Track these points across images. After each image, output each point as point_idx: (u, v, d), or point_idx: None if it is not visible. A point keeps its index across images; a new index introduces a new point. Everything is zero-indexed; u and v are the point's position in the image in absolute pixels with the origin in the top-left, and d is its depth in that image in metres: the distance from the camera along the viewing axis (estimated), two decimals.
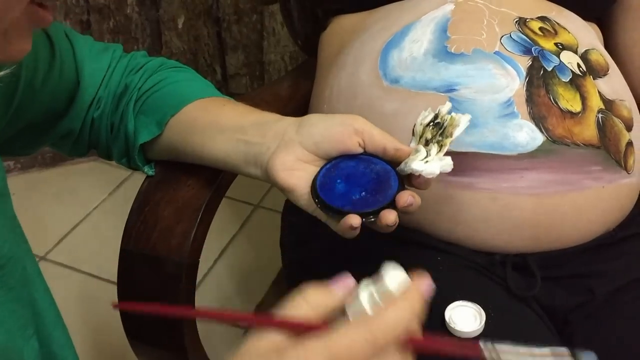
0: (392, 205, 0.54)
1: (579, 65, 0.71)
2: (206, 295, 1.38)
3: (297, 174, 0.57)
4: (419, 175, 0.55)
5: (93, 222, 1.60)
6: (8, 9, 0.39)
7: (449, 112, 0.57)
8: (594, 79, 0.71)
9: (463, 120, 0.55)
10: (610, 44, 0.87)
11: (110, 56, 0.69)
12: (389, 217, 0.54)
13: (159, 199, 0.62)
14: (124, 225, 0.62)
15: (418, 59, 0.70)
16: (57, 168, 1.74)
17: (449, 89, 0.67)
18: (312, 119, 0.59)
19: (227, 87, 1.78)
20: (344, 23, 0.84)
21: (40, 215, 1.59)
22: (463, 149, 0.65)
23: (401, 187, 0.55)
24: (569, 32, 0.73)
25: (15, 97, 0.58)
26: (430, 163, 0.55)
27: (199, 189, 0.62)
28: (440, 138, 0.56)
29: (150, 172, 0.68)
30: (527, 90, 0.66)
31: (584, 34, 0.75)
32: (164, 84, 0.68)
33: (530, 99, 0.66)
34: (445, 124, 0.56)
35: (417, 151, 0.56)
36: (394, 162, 0.57)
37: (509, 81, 0.67)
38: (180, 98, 0.66)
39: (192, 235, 0.59)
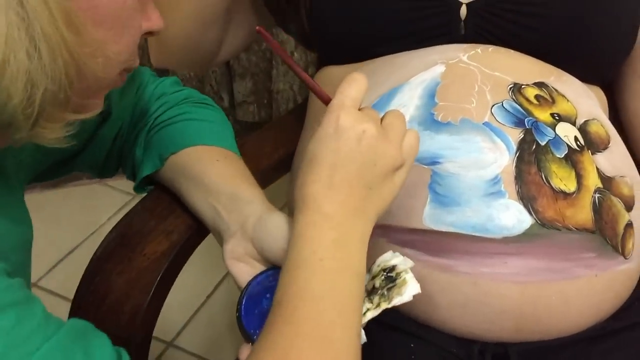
0: None
1: (576, 139, 0.65)
2: (199, 330, 1.35)
3: (241, 266, 0.57)
4: None
5: (90, 249, 1.56)
6: (105, 75, 0.44)
7: (407, 272, 0.54)
8: (592, 153, 0.65)
9: (409, 293, 0.52)
10: (618, 109, 0.81)
11: (137, 85, 0.69)
12: None
13: (112, 269, 0.58)
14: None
15: None
16: (58, 189, 1.71)
17: (432, 162, 0.62)
18: (273, 221, 0.56)
19: (234, 114, 1.75)
20: (332, 74, 0.80)
21: (35, 238, 1.56)
22: (443, 229, 0.60)
23: None
24: (567, 101, 0.68)
25: None
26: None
27: (155, 260, 0.59)
28: (385, 293, 0.52)
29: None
30: (516, 166, 0.61)
31: (585, 101, 0.70)
32: (179, 119, 0.68)
33: (519, 177, 0.61)
34: (395, 282, 0.53)
35: None
36: None
37: (497, 156, 0.62)
38: (185, 138, 0.66)
39: (142, 312, 0.56)
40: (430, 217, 0.61)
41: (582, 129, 0.67)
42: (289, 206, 0.76)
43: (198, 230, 0.62)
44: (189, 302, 1.38)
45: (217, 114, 0.70)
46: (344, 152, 0.51)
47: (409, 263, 0.54)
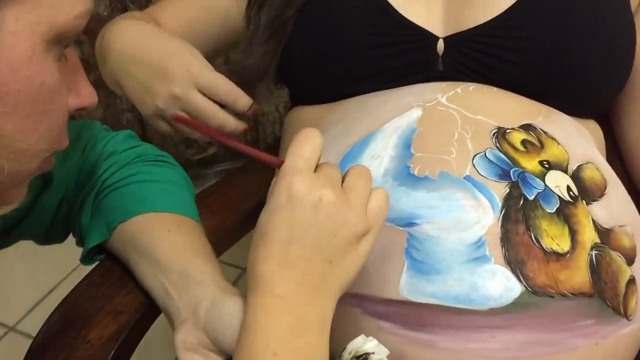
0: None
1: (569, 189, 0.59)
2: None
3: (196, 358, 0.51)
4: None
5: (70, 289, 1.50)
6: (22, 169, 0.41)
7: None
8: (587, 203, 0.59)
9: None
10: (615, 138, 0.75)
11: (83, 144, 0.62)
12: None
13: (51, 359, 0.52)
14: None
15: (377, 181, 0.59)
16: None
17: (409, 223, 0.56)
18: (227, 308, 0.50)
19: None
20: (303, 115, 0.74)
21: (13, 279, 1.50)
22: (422, 300, 0.54)
23: None
24: (558, 144, 0.61)
25: None
26: None
27: (100, 347, 0.52)
28: None
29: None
30: (502, 226, 0.55)
31: (578, 143, 0.64)
32: (129, 181, 0.62)
33: (506, 238, 0.54)
34: None
35: None
36: None
37: (481, 215, 0.55)
38: (135, 204, 0.60)
39: None
40: (407, 287, 0.54)
41: (576, 176, 0.60)
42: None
43: (151, 307, 0.55)
44: None
45: (173, 172, 0.63)
46: (298, 224, 0.44)
47: (384, 351, 0.48)
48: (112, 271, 0.58)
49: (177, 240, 0.56)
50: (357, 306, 0.56)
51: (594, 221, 0.58)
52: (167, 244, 0.55)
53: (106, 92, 1.47)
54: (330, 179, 0.47)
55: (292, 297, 0.44)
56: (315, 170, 0.47)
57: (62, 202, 0.61)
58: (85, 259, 0.61)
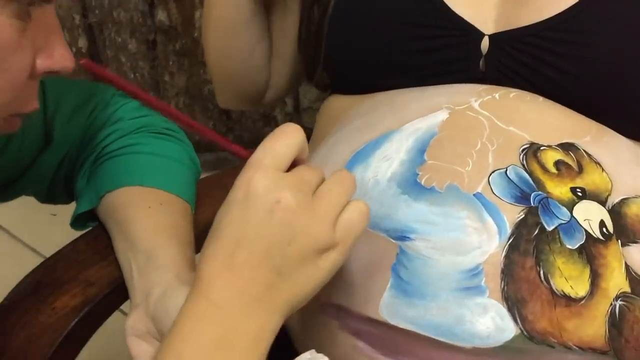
0: None
1: (602, 225, 0.50)
2: None
3: (144, 347, 0.48)
4: None
5: None
6: None
7: None
8: (623, 244, 0.50)
9: None
10: None
11: (92, 107, 0.62)
12: None
13: (15, 322, 0.51)
14: None
15: (380, 185, 0.53)
16: None
17: (402, 236, 0.50)
18: (175, 299, 0.46)
19: (299, 120, 1.66)
20: (334, 103, 0.69)
21: None
22: (400, 324, 0.48)
23: None
24: (602, 171, 0.53)
25: None
26: None
27: (63, 315, 0.51)
28: None
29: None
30: (506, 256, 0.48)
31: (629, 171, 0.54)
32: (127, 151, 0.60)
33: (507, 271, 0.47)
34: None
35: None
36: None
37: (484, 240, 0.48)
38: (125, 175, 0.58)
39: None
40: (387, 308, 0.49)
41: (616, 211, 0.51)
42: None
43: (124, 286, 0.53)
44: None
45: (177, 147, 0.61)
46: (251, 225, 0.40)
47: None
48: (99, 240, 0.57)
49: (153, 219, 0.53)
50: (335, 317, 0.51)
51: (628, 266, 0.50)
52: (143, 221, 0.53)
53: (190, 60, 1.49)
54: (300, 181, 0.42)
55: (228, 306, 0.39)
56: (288, 170, 0.42)
57: (64, 161, 0.60)
58: (75, 224, 0.60)
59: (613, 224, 0.50)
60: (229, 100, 0.81)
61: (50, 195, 0.62)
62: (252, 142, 0.67)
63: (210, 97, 1.53)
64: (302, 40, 0.70)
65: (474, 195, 0.50)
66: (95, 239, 0.57)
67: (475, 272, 0.47)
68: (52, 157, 0.59)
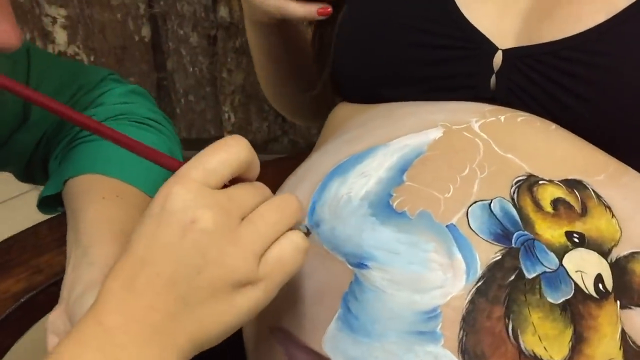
0: None
1: (599, 280, 0.42)
2: None
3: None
4: None
5: None
6: None
7: None
8: (623, 307, 0.42)
9: None
10: None
11: (75, 88, 0.60)
12: None
13: None
14: None
15: (352, 203, 0.47)
16: None
17: (359, 263, 0.44)
18: (89, 301, 0.41)
19: None
20: (338, 111, 0.64)
21: None
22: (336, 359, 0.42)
23: None
24: (611, 217, 0.45)
25: None
26: None
27: (2, 300, 0.48)
28: None
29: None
30: (471, 301, 0.41)
31: None
32: (97, 137, 0.57)
33: (470, 319, 0.40)
34: None
35: None
36: None
37: (448, 279, 0.42)
38: (87, 163, 0.55)
39: None
40: (330, 341, 0.43)
41: (620, 265, 0.43)
42: None
43: None
44: None
45: (155, 138, 0.58)
46: (159, 244, 0.35)
47: None
48: (62, 226, 0.54)
49: (103, 212, 0.50)
50: (281, 344, 0.46)
51: (624, 333, 0.41)
52: (90, 213, 0.50)
53: (248, 58, 1.47)
54: (228, 201, 0.36)
55: (119, 332, 0.34)
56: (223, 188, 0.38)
57: (42, 141, 0.58)
58: (42, 207, 0.58)
59: (614, 281, 0.43)
60: (283, 110, 0.83)
61: (29, 174, 0.60)
62: (307, 148, 0.64)
63: (267, 99, 1.51)
64: (316, 51, 0.66)
65: (446, 226, 0.43)
66: (59, 225, 0.55)
67: (431, 315, 0.41)
68: (28, 136, 0.57)
